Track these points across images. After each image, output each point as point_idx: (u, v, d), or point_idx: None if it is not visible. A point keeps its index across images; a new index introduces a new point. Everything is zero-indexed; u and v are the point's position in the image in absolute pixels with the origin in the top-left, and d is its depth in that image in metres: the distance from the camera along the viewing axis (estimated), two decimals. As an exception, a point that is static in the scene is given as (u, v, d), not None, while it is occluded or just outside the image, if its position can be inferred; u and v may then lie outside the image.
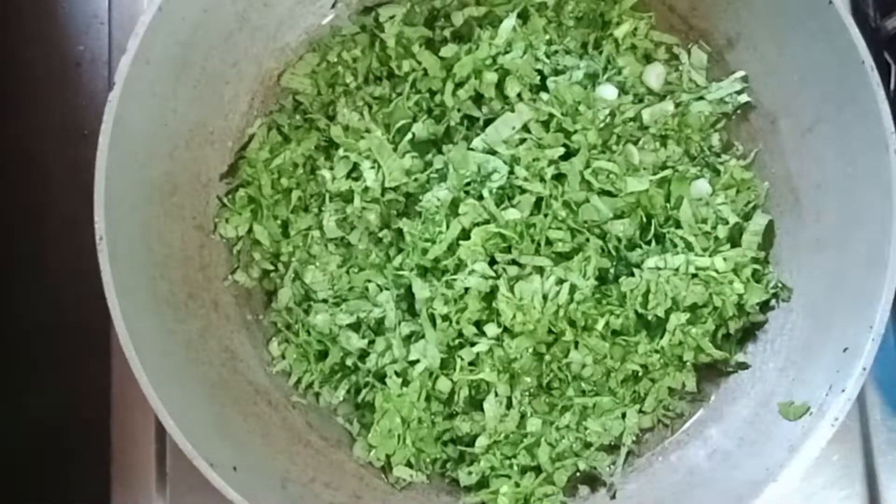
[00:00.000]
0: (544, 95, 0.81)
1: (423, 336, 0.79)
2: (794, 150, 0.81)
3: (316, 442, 0.81)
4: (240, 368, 0.81)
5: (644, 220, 0.81)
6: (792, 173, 0.81)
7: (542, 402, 0.80)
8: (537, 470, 0.80)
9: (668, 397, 0.82)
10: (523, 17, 0.84)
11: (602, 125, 0.82)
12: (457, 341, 0.79)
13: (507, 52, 0.82)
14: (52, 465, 0.88)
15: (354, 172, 0.83)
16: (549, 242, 0.79)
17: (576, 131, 0.80)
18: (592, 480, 0.82)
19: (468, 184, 0.79)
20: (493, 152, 0.80)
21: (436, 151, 0.82)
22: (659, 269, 0.78)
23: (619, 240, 0.80)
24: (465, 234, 0.78)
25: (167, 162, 0.78)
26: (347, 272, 0.82)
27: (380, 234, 0.82)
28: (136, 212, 0.74)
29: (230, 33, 0.81)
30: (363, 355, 0.81)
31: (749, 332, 0.82)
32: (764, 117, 0.83)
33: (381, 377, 0.80)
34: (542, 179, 0.79)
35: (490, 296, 0.78)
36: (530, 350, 0.79)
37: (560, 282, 0.77)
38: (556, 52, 0.84)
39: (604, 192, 0.80)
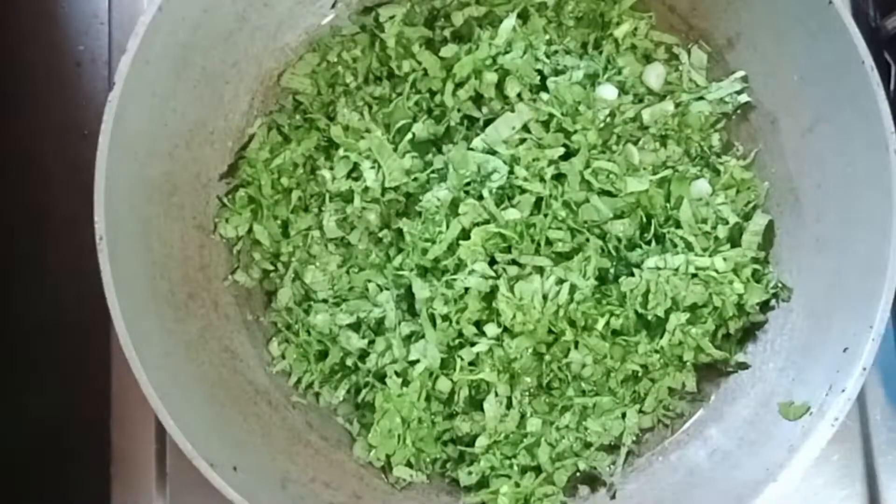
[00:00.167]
0: (544, 95, 0.81)
1: (423, 336, 0.79)
2: (794, 150, 0.81)
3: (316, 442, 0.81)
4: (240, 368, 0.81)
5: (644, 220, 0.81)
6: (792, 173, 0.81)
7: (542, 402, 0.80)
8: (537, 470, 0.80)
9: (668, 397, 0.82)
10: (523, 17, 0.84)
11: (602, 125, 0.82)
12: (457, 341, 0.79)
13: (507, 52, 0.82)
14: (52, 465, 0.88)
15: (354, 172, 0.83)
16: (549, 242, 0.79)
17: (576, 131, 0.80)
18: (592, 480, 0.82)
19: (468, 184, 0.79)
20: (493, 152, 0.80)
21: (436, 151, 0.82)
22: (659, 269, 0.78)
23: (619, 240, 0.80)
24: (465, 234, 0.78)
25: (167, 162, 0.78)
26: (347, 272, 0.82)
27: (380, 234, 0.82)
28: (136, 212, 0.74)
29: (230, 33, 0.81)
30: (363, 355, 0.81)
31: (749, 332, 0.82)
32: (764, 117, 0.83)
33: (381, 377, 0.80)
34: (542, 179, 0.79)
35: (490, 296, 0.78)
36: (530, 350, 0.79)
37: (560, 282, 0.77)
38: (556, 52, 0.84)
39: (604, 192, 0.80)
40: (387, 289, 0.81)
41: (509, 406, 0.80)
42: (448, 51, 0.83)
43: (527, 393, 0.81)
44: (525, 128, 0.80)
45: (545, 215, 0.79)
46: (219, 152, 0.84)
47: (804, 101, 0.79)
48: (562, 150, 0.80)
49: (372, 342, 0.81)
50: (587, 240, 0.79)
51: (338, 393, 0.83)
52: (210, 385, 0.77)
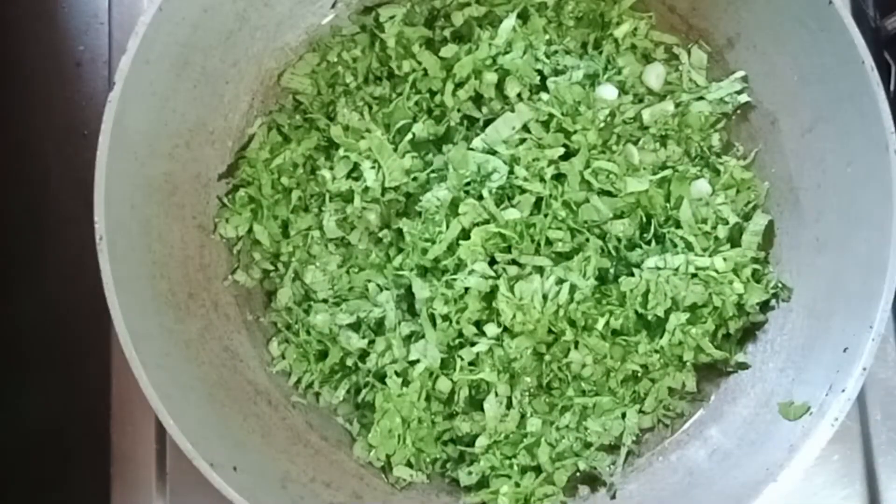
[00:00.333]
0: (544, 95, 0.81)
1: (423, 336, 0.79)
2: (794, 149, 0.81)
3: (316, 442, 0.81)
4: (240, 368, 0.81)
5: (644, 220, 0.81)
6: (792, 173, 0.81)
7: (542, 402, 0.80)
8: (537, 470, 0.80)
9: (668, 397, 0.82)
10: (523, 17, 0.84)
11: (602, 125, 0.82)
12: (457, 341, 0.79)
13: (507, 53, 0.82)
14: (52, 465, 0.88)
15: (354, 172, 0.83)
16: (549, 242, 0.79)
17: (576, 131, 0.80)
18: (592, 480, 0.82)
19: (468, 184, 0.79)
20: (492, 152, 0.80)
21: (436, 151, 0.82)
22: (659, 268, 0.78)
23: (619, 240, 0.80)
24: (465, 234, 0.78)
25: (167, 162, 0.78)
26: (347, 272, 0.82)
27: (380, 234, 0.82)
28: (136, 212, 0.74)
29: (230, 33, 0.81)
30: (363, 355, 0.81)
31: (749, 332, 0.82)
32: (764, 117, 0.83)
33: (381, 377, 0.80)
34: (542, 179, 0.79)
35: (490, 296, 0.78)
36: (530, 350, 0.79)
37: (560, 282, 0.77)
38: (556, 52, 0.84)
39: (604, 192, 0.80)
40: (387, 289, 0.81)
41: (509, 406, 0.80)
42: (448, 51, 0.83)
43: (527, 393, 0.81)
44: (525, 128, 0.80)
45: (545, 215, 0.79)
46: (219, 152, 0.84)
47: (804, 101, 0.79)
48: (562, 150, 0.80)
49: (372, 342, 0.81)
50: (587, 240, 0.79)
51: (338, 393, 0.83)
52: (210, 385, 0.77)
